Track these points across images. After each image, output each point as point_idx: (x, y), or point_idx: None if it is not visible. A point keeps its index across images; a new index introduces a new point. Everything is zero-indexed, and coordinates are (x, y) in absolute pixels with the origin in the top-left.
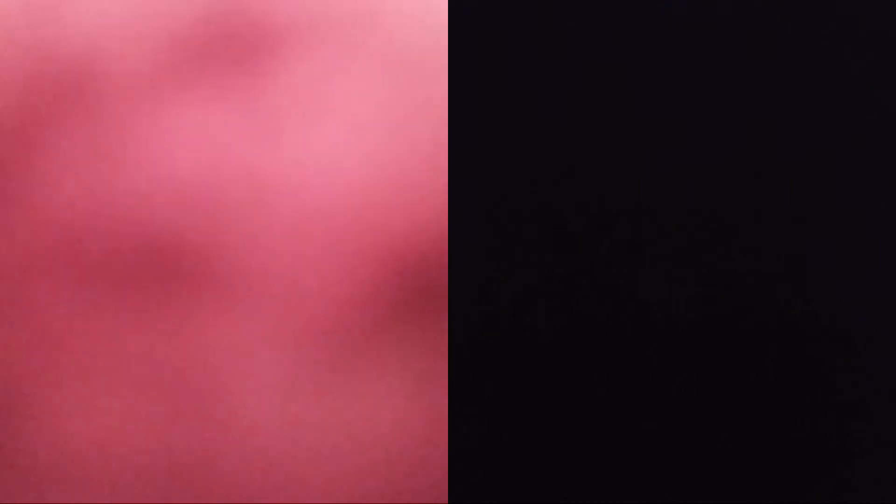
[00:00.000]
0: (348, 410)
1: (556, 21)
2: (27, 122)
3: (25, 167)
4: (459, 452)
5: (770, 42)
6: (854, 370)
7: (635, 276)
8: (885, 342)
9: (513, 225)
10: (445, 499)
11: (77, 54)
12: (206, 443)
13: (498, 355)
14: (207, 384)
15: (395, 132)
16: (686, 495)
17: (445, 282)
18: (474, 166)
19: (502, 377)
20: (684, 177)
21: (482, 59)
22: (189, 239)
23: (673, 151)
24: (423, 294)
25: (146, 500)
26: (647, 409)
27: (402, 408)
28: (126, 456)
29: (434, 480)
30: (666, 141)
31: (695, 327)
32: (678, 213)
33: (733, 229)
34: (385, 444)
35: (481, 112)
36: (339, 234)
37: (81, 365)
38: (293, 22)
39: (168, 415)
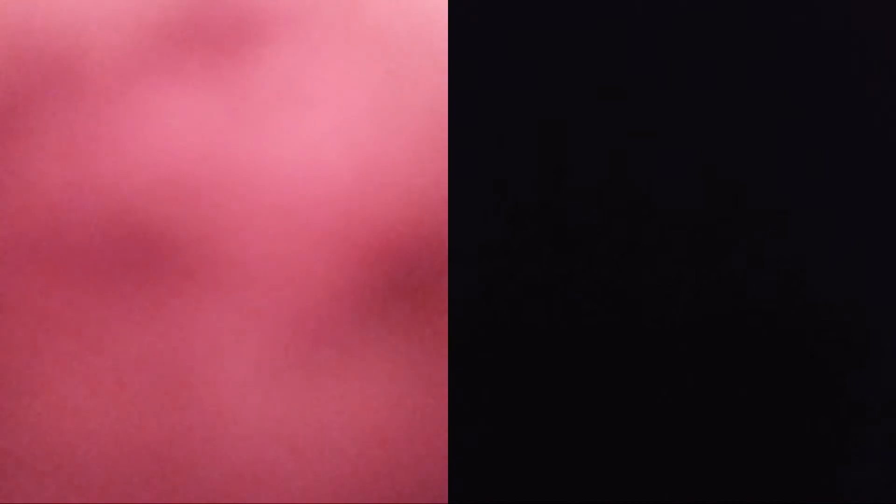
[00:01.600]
0: (334, 405)
1: (555, 21)
2: (9, 109)
3: (7, 154)
4: (459, 451)
5: (770, 42)
6: (854, 370)
7: (635, 276)
8: (885, 342)
9: (513, 224)
10: (445, 498)
11: (61, 41)
12: (190, 435)
13: (498, 354)
14: (190, 375)
15: (384, 123)
16: (686, 495)
17: (445, 280)
18: (474, 165)
19: (502, 376)
20: (684, 177)
21: (482, 57)
22: (173, 227)
23: (673, 151)
24: (420, 290)
25: (127, 495)
26: (647, 409)
27: (392, 405)
28: (106, 449)
29: (431, 478)
30: (666, 141)
31: (695, 327)
32: (678, 213)
33: (733, 229)
34: (372, 440)
35: (481, 111)
36: (323, 225)
37: (62, 356)
38: (280, 8)
39: (151, 406)
